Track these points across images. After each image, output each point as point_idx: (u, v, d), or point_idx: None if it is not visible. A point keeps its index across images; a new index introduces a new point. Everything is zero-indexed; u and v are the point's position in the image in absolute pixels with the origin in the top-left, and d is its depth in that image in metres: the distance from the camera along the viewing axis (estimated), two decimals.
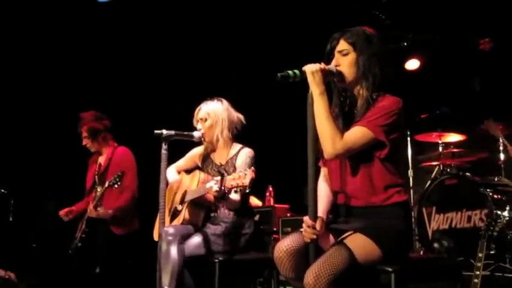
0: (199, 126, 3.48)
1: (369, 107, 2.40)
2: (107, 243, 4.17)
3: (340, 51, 2.48)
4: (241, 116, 3.53)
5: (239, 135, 3.53)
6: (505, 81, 5.37)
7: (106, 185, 4.02)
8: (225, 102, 3.50)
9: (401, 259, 2.39)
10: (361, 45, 2.45)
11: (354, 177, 2.44)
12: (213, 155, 3.53)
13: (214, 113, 3.44)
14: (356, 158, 2.42)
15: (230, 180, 2.82)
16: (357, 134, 2.35)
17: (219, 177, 2.95)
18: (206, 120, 3.45)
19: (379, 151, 2.39)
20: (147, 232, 3.77)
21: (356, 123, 2.39)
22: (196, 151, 3.65)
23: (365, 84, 2.45)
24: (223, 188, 2.89)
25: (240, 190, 2.82)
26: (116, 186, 3.97)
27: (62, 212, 4.39)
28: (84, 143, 4.43)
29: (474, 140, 4.92)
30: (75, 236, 4.29)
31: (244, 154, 3.40)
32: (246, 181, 2.74)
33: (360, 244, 2.27)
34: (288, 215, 5.06)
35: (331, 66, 2.43)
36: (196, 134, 3.40)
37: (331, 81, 2.51)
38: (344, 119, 2.51)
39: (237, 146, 3.47)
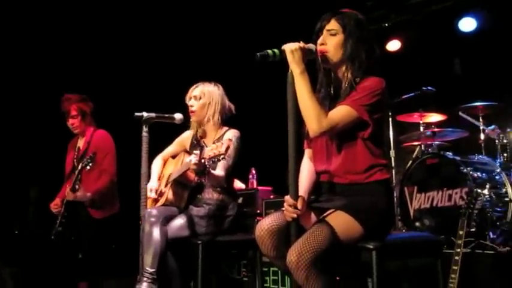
0: (191, 102, 3.48)
1: (352, 88, 2.41)
2: (87, 227, 4.15)
3: (329, 30, 2.48)
4: (232, 105, 3.56)
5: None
6: (485, 62, 5.41)
7: (79, 167, 4.00)
8: (221, 87, 3.53)
9: (382, 236, 2.41)
10: (350, 28, 2.46)
11: (337, 156, 2.46)
12: (203, 140, 3.52)
13: (209, 94, 3.47)
14: (340, 138, 2.44)
15: (208, 151, 2.81)
16: (342, 112, 2.36)
17: (198, 151, 2.95)
18: (200, 98, 3.47)
19: (363, 131, 2.40)
20: (129, 215, 3.77)
21: (340, 103, 2.40)
22: (186, 135, 3.65)
23: (350, 68, 2.46)
24: (202, 160, 2.87)
25: (218, 159, 2.81)
26: (88, 167, 3.95)
27: (52, 205, 4.35)
28: (71, 122, 4.37)
29: (455, 120, 4.94)
30: (56, 221, 4.26)
31: (230, 133, 3.43)
32: (222, 149, 2.74)
33: (341, 222, 2.29)
34: (271, 197, 5.07)
35: (311, 44, 2.43)
36: (177, 116, 3.39)
37: (317, 63, 2.51)
38: (329, 99, 2.52)
39: (224, 129, 3.50)
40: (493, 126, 4.46)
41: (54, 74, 6.00)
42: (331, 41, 2.47)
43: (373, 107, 2.37)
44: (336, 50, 2.46)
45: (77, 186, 4.10)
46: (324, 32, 2.49)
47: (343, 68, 2.49)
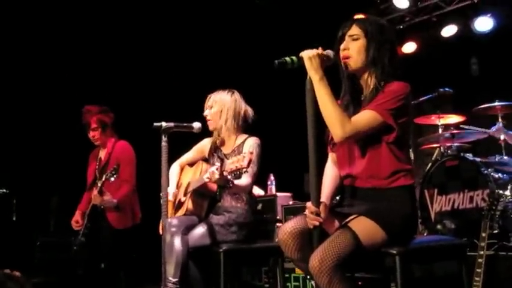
0: (205, 112, 3.52)
1: (377, 93, 2.41)
2: (110, 238, 4.16)
3: (351, 36, 2.49)
4: (250, 110, 3.55)
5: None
6: (503, 63, 5.37)
7: (103, 178, 4.02)
8: (236, 94, 3.53)
9: (406, 242, 2.39)
10: (372, 32, 2.46)
11: (361, 160, 2.45)
12: (221, 147, 3.53)
13: (220, 101, 3.48)
14: (364, 142, 2.43)
15: (229, 164, 2.82)
16: (366, 116, 2.36)
17: (219, 164, 2.96)
18: (212, 107, 3.48)
19: (387, 135, 2.39)
20: (151, 226, 3.78)
21: (364, 108, 2.40)
22: (205, 142, 3.66)
23: (373, 72, 2.46)
24: (223, 172, 2.88)
25: (240, 173, 2.81)
26: (112, 179, 3.96)
27: (73, 222, 4.38)
28: (91, 134, 4.41)
29: (473, 121, 4.90)
30: (78, 232, 4.29)
31: (251, 141, 3.42)
32: (244, 163, 2.73)
33: (364, 227, 2.28)
34: (290, 202, 5.06)
35: (329, 51, 2.43)
36: (195, 125, 3.40)
37: (340, 70, 2.52)
38: (353, 106, 2.52)
39: (243, 136, 3.49)
40: (495, 127, 4.43)
41: (75, 84, 6.07)
42: (353, 46, 2.47)
43: (398, 111, 2.36)
44: (359, 55, 2.46)
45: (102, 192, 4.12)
46: (346, 37, 2.49)
47: (367, 73, 2.49)
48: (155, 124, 3.24)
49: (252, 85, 4.30)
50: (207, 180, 3.05)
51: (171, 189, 3.50)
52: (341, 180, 2.57)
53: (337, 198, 2.61)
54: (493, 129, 4.46)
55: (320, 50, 2.38)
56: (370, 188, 2.43)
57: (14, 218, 5.84)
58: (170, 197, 3.44)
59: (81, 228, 4.29)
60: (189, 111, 3.61)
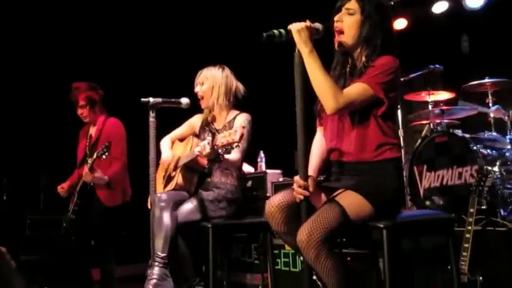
0: (197, 89, 3.49)
1: (366, 68, 2.40)
2: (100, 215, 4.15)
3: (347, 9, 2.47)
4: (241, 86, 3.54)
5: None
6: (494, 40, 5.36)
7: (94, 155, 3.99)
8: (226, 69, 3.51)
9: (393, 215, 2.40)
10: (369, 10, 2.44)
11: (349, 134, 2.45)
12: (213, 124, 3.52)
13: (212, 78, 3.46)
14: (352, 116, 2.43)
15: (221, 138, 2.80)
16: (358, 89, 2.35)
17: (210, 138, 2.95)
18: (204, 83, 3.47)
19: (376, 109, 2.39)
20: (140, 202, 3.78)
21: (355, 81, 2.39)
22: (196, 119, 3.65)
23: (365, 51, 2.46)
24: (215, 146, 2.87)
25: (231, 147, 2.80)
26: (104, 156, 3.92)
27: (59, 188, 4.36)
28: (79, 112, 4.35)
29: (463, 97, 4.91)
30: (68, 209, 4.28)
31: (242, 117, 3.42)
32: (236, 137, 2.72)
33: (351, 201, 2.29)
34: (280, 179, 5.07)
35: (317, 24, 2.40)
36: (183, 101, 3.39)
37: (334, 45, 2.50)
38: (344, 79, 2.51)
39: (234, 112, 3.48)
40: (496, 106, 4.44)
41: (62, 62, 6.01)
42: (347, 20, 2.46)
43: (388, 85, 2.36)
44: (351, 30, 2.45)
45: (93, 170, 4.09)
46: (343, 10, 2.48)
47: (358, 49, 2.48)
48: (143, 100, 3.23)
49: (240, 60, 4.26)
50: (197, 153, 3.04)
51: (167, 154, 3.52)
52: (328, 154, 2.56)
53: (322, 177, 2.60)
54: (493, 108, 4.46)
55: (308, 23, 2.35)
56: (357, 161, 2.43)
57: (5, 197, 5.83)
58: (163, 158, 3.48)
59: (65, 193, 4.30)
60: (177, 86, 3.58)
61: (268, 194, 4.92)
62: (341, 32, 2.47)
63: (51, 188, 4.54)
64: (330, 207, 2.26)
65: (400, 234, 2.47)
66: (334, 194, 2.36)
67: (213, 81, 3.45)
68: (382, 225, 2.32)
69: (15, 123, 5.98)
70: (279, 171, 5.24)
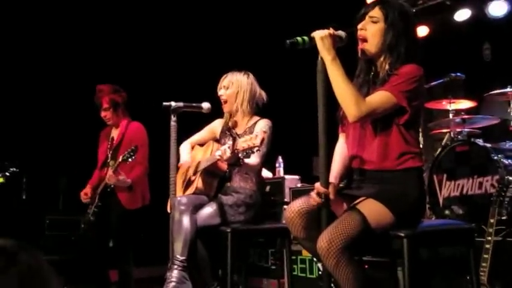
0: (221, 92, 3.51)
1: (390, 76, 2.39)
2: (120, 218, 4.17)
3: (371, 17, 2.47)
4: (263, 93, 3.55)
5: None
6: None
7: (120, 159, 4.00)
8: (251, 76, 3.53)
9: (413, 224, 2.39)
10: (393, 18, 2.44)
11: (371, 142, 2.44)
12: (234, 128, 3.53)
13: (237, 83, 3.48)
14: (375, 124, 2.42)
15: (242, 142, 2.81)
16: (381, 97, 2.34)
17: (231, 142, 2.96)
18: (228, 88, 3.48)
19: (399, 117, 2.39)
20: (159, 205, 3.79)
21: (378, 89, 2.39)
22: (217, 123, 3.66)
23: (388, 59, 2.45)
24: (235, 151, 2.88)
25: (252, 151, 2.80)
26: (130, 160, 3.94)
27: (82, 194, 4.38)
28: (103, 114, 4.37)
29: (485, 106, 4.87)
30: (87, 210, 4.31)
31: (263, 122, 3.43)
32: (257, 142, 2.72)
33: (372, 209, 2.28)
34: (298, 185, 5.07)
35: (340, 31, 2.41)
36: (205, 106, 3.41)
37: (358, 52, 2.50)
38: (367, 87, 2.51)
39: (255, 118, 3.50)
40: None
41: (85, 64, 6.07)
42: (371, 28, 2.46)
43: (412, 94, 2.35)
44: (374, 38, 2.45)
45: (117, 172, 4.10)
46: (366, 18, 2.48)
47: (382, 57, 2.48)
48: (164, 104, 3.25)
49: (261, 65, 4.28)
50: (218, 157, 3.05)
51: (186, 159, 3.55)
52: (350, 161, 2.56)
53: (343, 184, 2.60)
54: None
55: (332, 30, 2.36)
56: (379, 170, 2.42)
57: (24, 197, 5.89)
58: (182, 162, 3.52)
59: (88, 200, 4.29)
60: (198, 91, 3.60)
61: (286, 200, 4.92)
62: (364, 40, 2.47)
63: (70, 189, 4.57)
64: (351, 215, 2.25)
65: (420, 244, 2.45)
66: (355, 202, 2.35)
67: (238, 86, 3.47)
68: (403, 234, 2.30)
69: (37, 123, 6.05)
70: (297, 176, 5.23)
